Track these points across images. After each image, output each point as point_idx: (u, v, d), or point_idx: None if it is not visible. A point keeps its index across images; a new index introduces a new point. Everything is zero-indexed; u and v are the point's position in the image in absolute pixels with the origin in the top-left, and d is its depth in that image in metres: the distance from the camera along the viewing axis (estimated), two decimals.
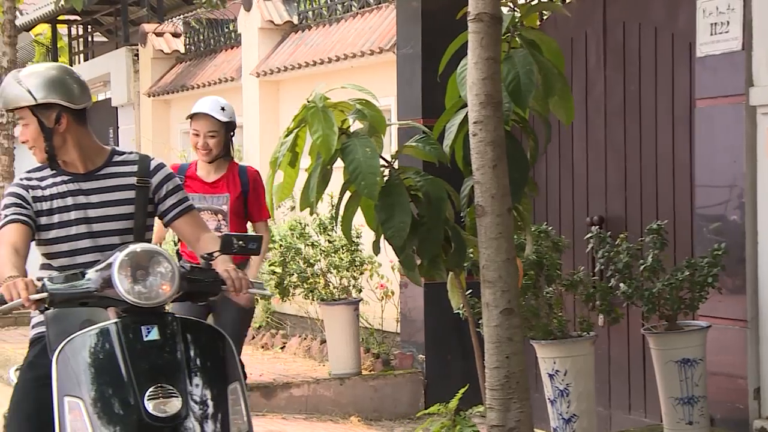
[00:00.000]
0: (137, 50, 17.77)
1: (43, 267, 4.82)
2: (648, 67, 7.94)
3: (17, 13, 17.24)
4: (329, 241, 10.38)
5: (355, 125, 5.83)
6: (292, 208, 12.10)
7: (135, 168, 4.86)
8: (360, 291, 10.38)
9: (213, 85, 14.84)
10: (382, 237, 5.73)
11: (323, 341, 10.95)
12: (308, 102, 5.67)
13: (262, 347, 11.92)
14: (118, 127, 18.49)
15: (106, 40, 22.87)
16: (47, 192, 4.76)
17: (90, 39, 22.94)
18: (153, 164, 4.90)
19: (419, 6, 9.75)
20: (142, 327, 4.28)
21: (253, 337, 12.15)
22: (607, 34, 8.33)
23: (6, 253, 4.52)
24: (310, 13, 13.23)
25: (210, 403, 4.24)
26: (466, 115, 5.85)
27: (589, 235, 6.63)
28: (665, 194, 7.82)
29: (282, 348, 11.72)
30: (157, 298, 4.30)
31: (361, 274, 10.40)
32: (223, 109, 7.24)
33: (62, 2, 16.01)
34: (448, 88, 6.10)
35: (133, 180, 4.83)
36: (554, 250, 6.52)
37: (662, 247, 6.46)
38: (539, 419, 6.89)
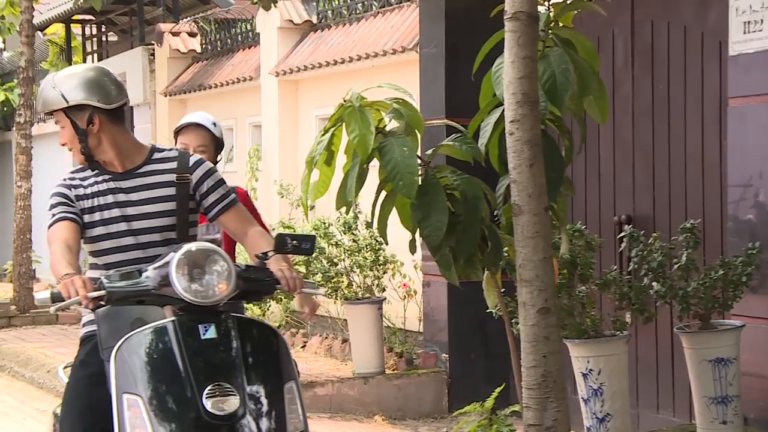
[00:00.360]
0: (153, 49, 17.77)
1: (92, 267, 4.83)
2: (677, 66, 7.92)
3: None
4: (353, 241, 10.38)
5: (390, 124, 5.82)
6: (312, 208, 12.08)
7: (174, 165, 4.86)
8: (383, 290, 10.38)
9: (231, 84, 14.84)
10: (418, 236, 5.72)
11: (345, 340, 10.95)
12: (345, 101, 5.65)
13: None
14: (133, 127, 18.50)
15: (117, 39, 22.87)
16: (89, 191, 4.78)
17: (105, 39, 22.96)
18: (192, 160, 4.90)
19: (443, 5, 9.73)
20: (199, 325, 4.29)
21: None
22: (635, 33, 8.31)
23: (59, 250, 4.53)
24: (330, 12, 13.22)
25: (266, 401, 4.24)
26: (501, 114, 5.84)
27: (622, 234, 6.61)
28: (694, 193, 7.80)
29: (303, 347, 11.71)
30: (213, 296, 4.31)
31: (384, 273, 10.40)
32: (214, 124, 6.56)
33: (81, 2, 16.01)
34: (482, 87, 6.08)
35: (172, 177, 4.83)
36: (587, 249, 6.51)
37: (695, 246, 6.45)
38: (572, 419, 6.87)
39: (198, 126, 6.49)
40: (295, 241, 4.54)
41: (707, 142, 7.69)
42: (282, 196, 13.01)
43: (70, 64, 22.26)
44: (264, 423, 4.19)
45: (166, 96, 17.06)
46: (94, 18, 21.88)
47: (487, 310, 6.80)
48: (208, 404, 4.14)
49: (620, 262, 7.71)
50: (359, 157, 5.60)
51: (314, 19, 13.49)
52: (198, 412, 4.14)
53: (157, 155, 4.89)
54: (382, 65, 11.47)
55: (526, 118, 5.48)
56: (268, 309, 12.35)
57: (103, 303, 4.32)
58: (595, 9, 6.15)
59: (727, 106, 7.04)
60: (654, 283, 6.48)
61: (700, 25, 7.73)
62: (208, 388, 4.16)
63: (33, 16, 16.82)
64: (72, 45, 23.09)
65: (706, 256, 7.23)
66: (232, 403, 4.16)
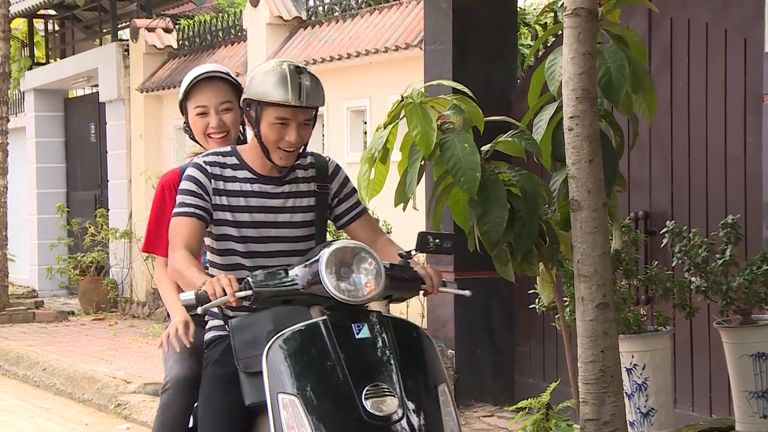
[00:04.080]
0: (127, 45, 17.62)
1: (212, 265, 4.71)
2: (697, 62, 7.96)
3: None
4: None
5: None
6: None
7: (314, 172, 4.76)
8: None
9: None
10: (476, 232, 5.72)
11: None
12: (404, 98, 5.64)
13: None
14: (105, 123, 18.32)
15: (84, 36, 22.66)
16: (229, 186, 4.63)
17: (72, 34, 22.70)
18: (331, 168, 4.82)
19: (451, 1, 9.70)
20: (352, 324, 4.17)
21: None
22: (653, 30, 8.34)
23: (184, 259, 4.39)
24: (320, 8, 13.17)
25: (423, 402, 4.14)
26: (555, 110, 5.87)
27: (664, 229, 6.65)
28: (715, 190, 7.83)
29: None
30: (363, 295, 4.22)
31: None
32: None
33: None
34: (531, 83, 6.11)
35: (313, 186, 4.73)
36: (633, 245, 6.54)
37: (736, 241, 6.49)
38: None
39: (214, 78, 5.20)
40: (437, 240, 4.47)
41: (730, 138, 7.74)
42: None
43: (33, 60, 22.06)
44: (422, 424, 4.07)
45: (142, 92, 16.92)
46: (55, 13, 21.64)
47: (530, 306, 6.81)
48: (367, 405, 4.03)
49: (644, 256, 7.76)
50: (421, 153, 5.59)
51: (303, 16, 13.43)
52: (359, 412, 4.02)
53: (296, 162, 4.73)
54: (380, 62, 11.44)
55: (586, 114, 5.51)
56: None
57: (248, 303, 4.20)
58: (646, 5, 6.19)
59: (762, 102, 7.08)
60: (693, 278, 6.52)
61: (723, 22, 7.78)
62: (366, 388, 4.05)
63: (9, 10, 16.62)
64: (34, 40, 22.86)
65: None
66: (391, 404, 4.05)
